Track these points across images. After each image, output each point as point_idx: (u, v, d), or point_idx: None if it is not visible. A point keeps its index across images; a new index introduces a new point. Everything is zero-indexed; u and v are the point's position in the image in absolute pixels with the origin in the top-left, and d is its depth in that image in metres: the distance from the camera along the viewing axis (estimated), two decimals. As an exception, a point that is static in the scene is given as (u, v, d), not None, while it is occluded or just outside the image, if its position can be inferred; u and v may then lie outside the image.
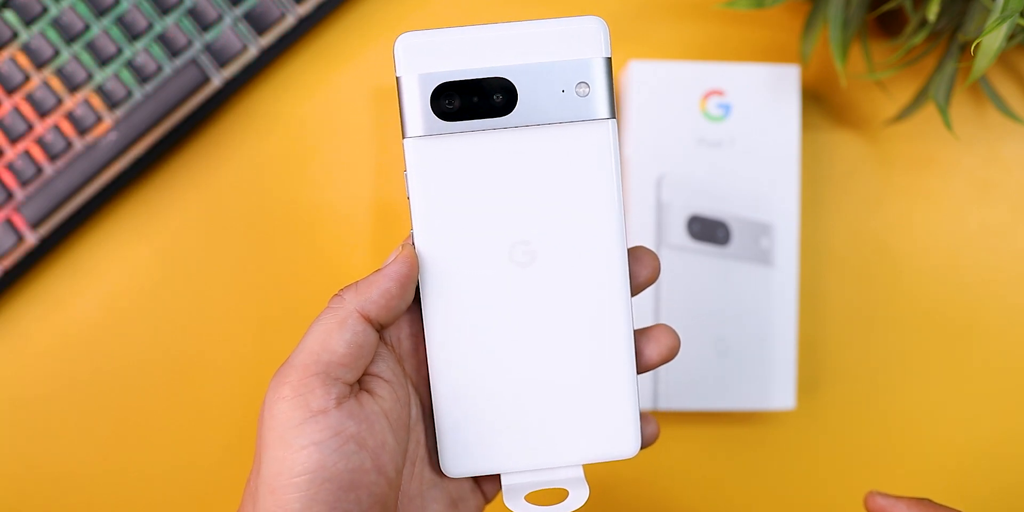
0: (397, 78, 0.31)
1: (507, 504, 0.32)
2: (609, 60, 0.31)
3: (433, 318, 0.32)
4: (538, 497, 0.33)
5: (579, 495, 0.32)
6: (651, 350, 0.33)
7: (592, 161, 0.31)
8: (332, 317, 0.30)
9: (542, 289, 0.32)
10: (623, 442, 0.33)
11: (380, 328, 0.31)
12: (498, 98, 0.31)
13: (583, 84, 0.31)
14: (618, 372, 0.32)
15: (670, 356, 0.33)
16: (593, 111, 0.31)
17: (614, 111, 0.31)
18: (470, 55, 0.30)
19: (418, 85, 0.30)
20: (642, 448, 0.33)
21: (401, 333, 0.33)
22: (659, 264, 0.33)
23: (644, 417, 0.34)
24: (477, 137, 0.31)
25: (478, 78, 0.30)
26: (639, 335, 0.33)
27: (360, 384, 0.31)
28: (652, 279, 0.33)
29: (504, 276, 0.32)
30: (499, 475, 0.34)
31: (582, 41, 0.31)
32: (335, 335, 0.29)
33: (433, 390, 0.32)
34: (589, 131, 0.31)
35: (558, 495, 0.32)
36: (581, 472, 0.33)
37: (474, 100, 0.31)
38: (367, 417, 0.29)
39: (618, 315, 0.32)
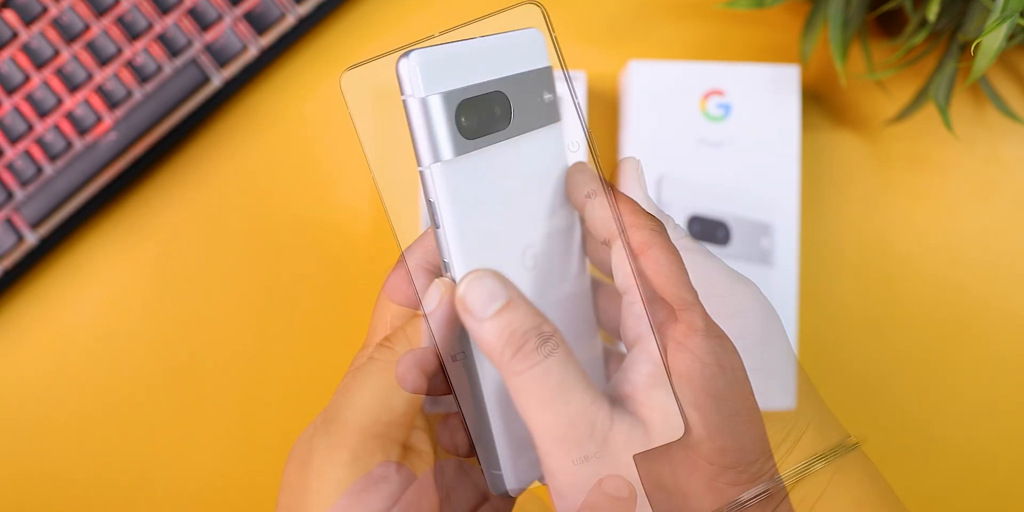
0: (406, 100, 0.28)
1: None
2: (550, 68, 0.31)
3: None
4: None
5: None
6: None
7: (559, 156, 0.32)
8: (385, 370, 0.28)
9: (545, 288, 0.32)
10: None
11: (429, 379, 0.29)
12: (498, 110, 0.30)
13: (550, 89, 0.32)
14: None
15: None
16: (557, 113, 0.32)
17: (561, 113, 0.32)
18: (472, 70, 0.30)
19: (443, 105, 0.29)
20: None
21: None
22: None
23: None
24: (487, 152, 0.30)
25: (489, 92, 0.30)
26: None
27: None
28: None
29: (523, 284, 0.31)
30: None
31: (533, 51, 0.31)
32: (394, 392, 0.27)
33: (490, 415, 0.30)
34: (559, 131, 0.32)
35: None
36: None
37: (483, 115, 0.30)
38: (421, 481, 0.28)
39: (586, 302, 0.33)
